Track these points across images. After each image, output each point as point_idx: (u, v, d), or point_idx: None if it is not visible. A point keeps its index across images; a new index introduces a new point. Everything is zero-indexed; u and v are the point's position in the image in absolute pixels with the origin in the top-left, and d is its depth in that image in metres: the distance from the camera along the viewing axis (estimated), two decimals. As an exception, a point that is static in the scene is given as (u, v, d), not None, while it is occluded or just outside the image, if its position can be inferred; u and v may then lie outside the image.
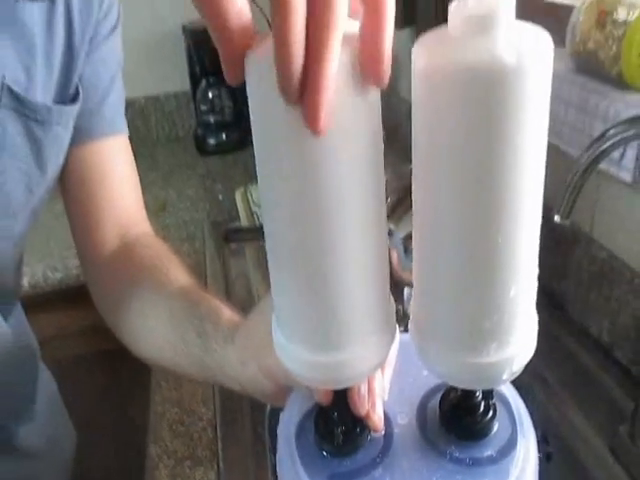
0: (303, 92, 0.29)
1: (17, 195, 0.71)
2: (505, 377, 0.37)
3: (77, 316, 1.51)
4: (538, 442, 0.43)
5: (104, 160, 0.79)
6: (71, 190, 0.80)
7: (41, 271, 1.47)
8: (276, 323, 0.41)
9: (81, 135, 0.77)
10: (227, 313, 0.63)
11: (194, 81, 2.11)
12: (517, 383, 0.87)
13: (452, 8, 0.30)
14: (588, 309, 0.99)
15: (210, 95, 2.07)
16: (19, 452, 0.89)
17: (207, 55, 2.00)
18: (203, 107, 2.10)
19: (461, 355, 0.36)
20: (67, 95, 0.74)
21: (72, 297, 1.45)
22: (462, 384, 0.39)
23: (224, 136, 2.12)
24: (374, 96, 0.32)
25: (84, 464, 1.12)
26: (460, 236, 0.33)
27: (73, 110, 0.74)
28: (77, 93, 0.75)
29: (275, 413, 0.49)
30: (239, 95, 2.04)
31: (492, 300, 0.34)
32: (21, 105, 0.67)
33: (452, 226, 0.33)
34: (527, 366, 0.37)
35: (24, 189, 0.71)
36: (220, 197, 1.80)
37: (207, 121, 2.11)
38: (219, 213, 1.70)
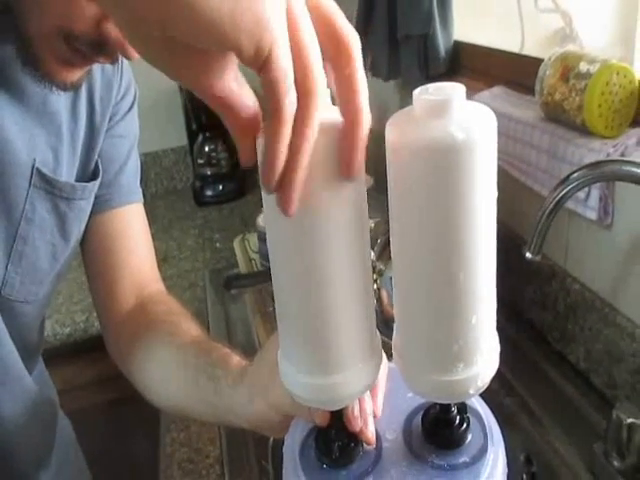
0: (278, 186, 0.36)
1: (43, 264, 0.76)
2: (472, 392, 0.43)
3: (86, 368, 1.55)
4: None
5: (121, 226, 0.85)
6: (91, 253, 0.85)
7: (50, 327, 1.51)
8: (282, 355, 0.47)
9: (100, 205, 0.83)
10: (235, 358, 0.69)
11: (191, 136, 2.18)
12: (504, 410, 0.92)
13: (416, 92, 0.38)
14: (566, 338, 1.05)
15: (206, 149, 2.14)
16: None
17: (203, 111, 2.06)
18: (200, 160, 2.16)
19: (434, 374, 0.43)
20: (88, 172, 0.79)
21: (81, 350, 1.51)
22: (437, 399, 0.46)
23: (221, 187, 2.18)
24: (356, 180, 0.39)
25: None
26: (428, 276, 0.40)
27: (94, 185, 0.79)
28: (97, 169, 0.80)
29: (277, 447, 0.54)
30: (234, 148, 2.10)
31: (457, 328, 0.41)
32: (49, 185, 0.72)
33: (421, 268, 0.40)
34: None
35: (50, 258, 0.76)
36: (218, 245, 1.85)
37: (204, 173, 2.17)
38: (218, 261, 1.75)
